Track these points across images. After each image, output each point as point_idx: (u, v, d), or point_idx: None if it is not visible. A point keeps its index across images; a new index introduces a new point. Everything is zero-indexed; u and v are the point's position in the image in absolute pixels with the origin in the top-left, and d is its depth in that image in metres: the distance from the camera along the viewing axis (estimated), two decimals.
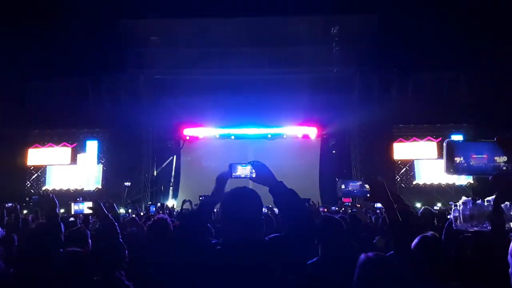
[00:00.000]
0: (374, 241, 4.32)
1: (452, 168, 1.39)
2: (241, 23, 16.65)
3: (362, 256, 2.21)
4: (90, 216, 4.98)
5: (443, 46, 15.13)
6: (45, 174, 18.55)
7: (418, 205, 13.25)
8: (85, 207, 4.31)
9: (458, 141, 1.41)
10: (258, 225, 1.79)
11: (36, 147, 18.60)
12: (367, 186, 2.32)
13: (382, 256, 2.23)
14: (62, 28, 14.43)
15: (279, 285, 1.67)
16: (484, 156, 1.36)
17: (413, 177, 18.64)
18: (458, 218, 2.59)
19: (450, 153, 1.39)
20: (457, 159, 1.39)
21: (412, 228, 2.30)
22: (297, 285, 1.71)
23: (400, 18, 14.71)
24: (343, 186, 2.42)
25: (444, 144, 1.39)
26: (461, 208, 2.58)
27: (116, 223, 2.94)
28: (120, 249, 2.76)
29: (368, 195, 2.29)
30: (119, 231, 2.91)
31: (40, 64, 15.48)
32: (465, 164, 1.38)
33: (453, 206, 2.66)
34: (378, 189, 2.25)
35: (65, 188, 18.11)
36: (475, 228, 2.32)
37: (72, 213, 4.85)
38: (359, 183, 2.40)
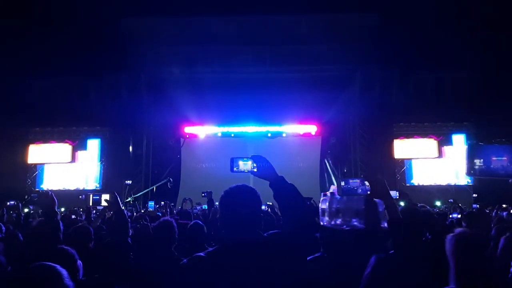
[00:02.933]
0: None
1: (473, 170, 1.39)
2: (242, 22, 16.64)
3: (373, 258, 2.18)
4: (92, 214, 5.02)
5: (445, 44, 15.09)
6: (43, 173, 18.54)
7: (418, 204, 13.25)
8: (103, 199, 4.34)
9: (479, 143, 1.41)
10: (256, 222, 1.79)
11: (36, 144, 18.62)
12: (367, 183, 2.33)
13: (393, 256, 2.21)
14: (63, 26, 14.42)
15: (278, 282, 1.67)
16: (504, 158, 1.37)
17: (411, 177, 18.60)
18: (326, 211, 2.53)
19: (471, 155, 1.40)
20: (478, 162, 1.39)
21: (416, 227, 2.29)
22: (296, 282, 1.71)
23: (401, 16, 14.68)
24: (342, 184, 2.42)
25: (466, 146, 1.40)
26: (328, 200, 2.52)
27: (129, 220, 2.91)
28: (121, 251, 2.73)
29: (369, 192, 2.29)
30: (130, 229, 2.87)
31: (40, 62, 15.47)
32: (486, 167, 1.38)
33: (322, 195, 2.59)
34: (378, 187, 2.25)
35: (65, 186, 18.13)
36: (344, 227, 2.28)
37: (91, 204, 4.99)
38: (358, 180, 2.41)
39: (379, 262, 2.12)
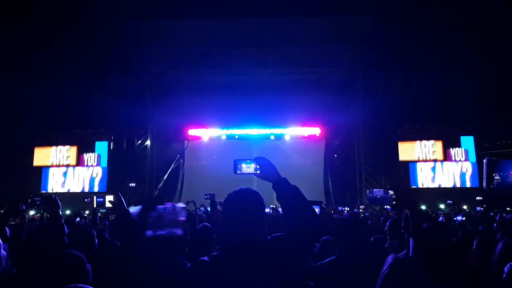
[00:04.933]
0: (386, 245, 4.29)
1: (492, 184, 1.40)
2: (245, 24, 16.66)
3: (391, 256, 2.23)
4: (97, 217, 5.03)
5: (448, 46, 15.04)
6: (48, 175, 18.59)
7: (423, 207, 13.17)
8: (107, 200, 4.31)
9: (497, 159, 1.42)
10: (260, 225, 1.79)
11: (42, 147, 18.70)
12: (391, 192, 2.40)
13: (411, 258, 2.25)
14: (68, 29, 14.52)
15: (282, 285, 1.66)
16: None
17: (415, 179, 18.41)
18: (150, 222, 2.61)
19: (490, 170, 1.40)
20: (496, 176, 1.39)
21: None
22: (297, 285, 1.71)
23: (405, 18, 14.65)
24: (368, 193, 2.51)
25: (484, 162, 1.40)
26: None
27: (135, 221, 2.88)
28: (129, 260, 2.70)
29: (394, 202, 2.34)
30: (136, 231, 2.85)
31: (46, 66, 15.56)
32: (502, 181, 1.39)
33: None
34: (404, 197, 2.29)
35: (69, 189, 18.19)
36: (163, 233, 2.36)
37: (95, 206, 4.99)
38: (382, 190, 2.50)
39: (397, 262, 2.18)
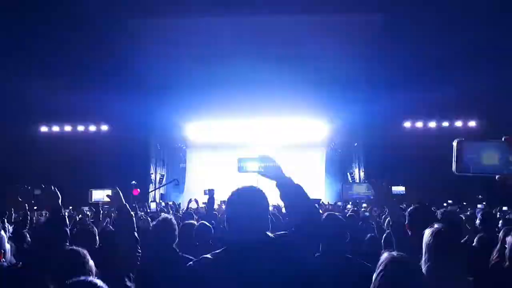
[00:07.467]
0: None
1: (463, 167, 1.39)
2: (246, 21, 16.61)
3: (386, 254, 2.23)
4: (100, 214, 5.03)
5: (451, 42, 14.94)
6: None
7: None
8: (104, 194, 4.27)
9: (468, 140, 1.40)
10: (263, 223, 1.78)
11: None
12: (371, 191, 2.41)
13: (407, 257, 2.26)
14: (70, 26, 14.48)
15: (284, 283, 1.66)
16: (495, 155, 1.36)
17: None
18: None
19: (460, 152, 1.39)
20: (467, 159, 1.38)
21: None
22: (302, 283, 1.71)
23: (408, 15, 14.56)
24: (348, 189, 2.49)
25: (454, 144, 1.39)
26: None
27: (133, 215, 2.86)
28: (131, 251, 2.70)
29: (372, 197, 2.37)
30: (135, 225, 2.83)
31: (47, 62, 15.56)
32: (475, 164, 1.37)
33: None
34: (381, 193, 2.31)
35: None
36: None
37: (92, 201, 4.95)
38: (364, 185, 2.48)
39: (392, 260, 2.20)
